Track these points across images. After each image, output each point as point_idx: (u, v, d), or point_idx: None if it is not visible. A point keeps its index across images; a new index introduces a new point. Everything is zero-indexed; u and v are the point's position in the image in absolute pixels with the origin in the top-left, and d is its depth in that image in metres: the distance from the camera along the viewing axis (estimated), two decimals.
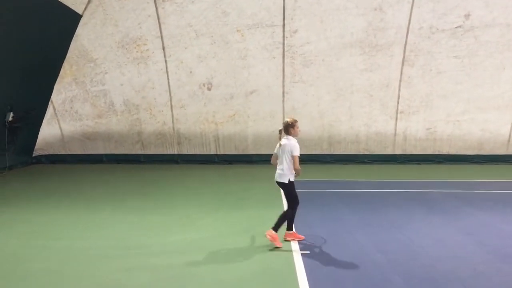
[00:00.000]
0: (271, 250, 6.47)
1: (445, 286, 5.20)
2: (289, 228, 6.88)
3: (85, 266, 5.95)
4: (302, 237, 6.92)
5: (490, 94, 15.15)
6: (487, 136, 15.62)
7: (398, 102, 15.38)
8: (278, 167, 6.82)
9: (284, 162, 6.70)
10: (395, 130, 15.69)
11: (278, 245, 6.51)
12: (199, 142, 16.09)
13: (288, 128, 6.77)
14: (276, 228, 6.64)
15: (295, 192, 6.79)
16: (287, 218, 6.78)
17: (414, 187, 11.71)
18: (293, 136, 6.78)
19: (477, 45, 14.60)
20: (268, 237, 6.56)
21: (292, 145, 6.66)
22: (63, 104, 15.64)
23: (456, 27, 14.46)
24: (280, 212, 6.94)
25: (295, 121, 6.82)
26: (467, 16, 14.33)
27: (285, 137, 6.83)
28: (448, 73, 14.97)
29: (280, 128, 6.91)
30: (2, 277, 5.59)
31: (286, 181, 6.69)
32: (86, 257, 6.27)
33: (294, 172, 6.68)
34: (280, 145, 6.79)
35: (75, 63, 15.10)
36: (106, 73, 15.26)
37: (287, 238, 6.85)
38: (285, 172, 6.69)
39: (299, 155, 6.64)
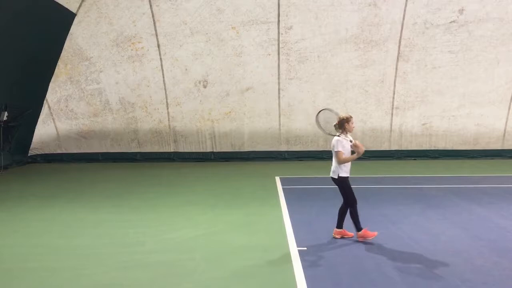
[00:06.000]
0: (267, 246, 6.48)
1: (442, 281, 5.22)
2: (339, 225, 6.85)
3: (82, 264, 5.93)
4: (351, 234, 6.83)
5: (485, 89, 15.22)
6: (482, 131, 15.69)
7: (393, 98, 15.42)
8: None
9: (333, 159, 6.78)
10: (391, 125, 15.73)
11: (371, 236, 6.65)
12: (195, 139, 16.08)
13: (343, 123, 6.69)
14: (338, 225, 6.78)
15: (349, 188, 6.70)
16: (343, 213, 6.79)
17: (410, 182, 11.75)
18: (347, 132, 6.73)
19: (471, 40, 14.66)
20: (337, 236, 6.75)
21: (333, 143, 6.69)
22: (58, 103, 15.58)
23: (450, 22, 14.50)
24: (276, 209, 6.90)
25: (351, 116, 6.76)
26: (461, 11, 14.37)
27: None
28: (443, 68, 15.02)
29: (334, 123, 6.80)
30: None
31: (336, 177, 6.72)
32: (83, 256, 6.26)
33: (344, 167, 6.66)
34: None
35: (69, 61, 15.04)
36: (101, 71, 15.20)
37: (336, 236, 6.83)
38: (334, 168, 6.76)
39: (339, 150, 6.60)
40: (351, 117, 6.74)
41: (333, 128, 6.79)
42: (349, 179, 6.74)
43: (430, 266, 5.66)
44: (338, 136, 6.70)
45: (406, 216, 8.12)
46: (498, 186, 11.25)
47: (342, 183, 6.71)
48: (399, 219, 7.91)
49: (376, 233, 6.71)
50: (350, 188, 6.72)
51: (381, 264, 5.76)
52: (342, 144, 6.63)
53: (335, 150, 6.64)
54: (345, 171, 6.68)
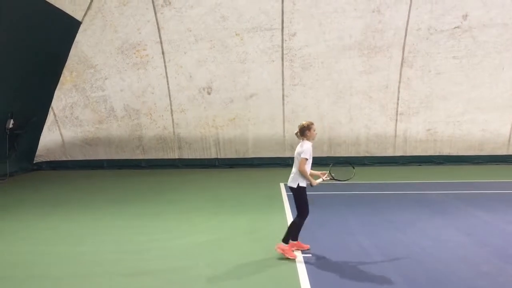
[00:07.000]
0: (272, 253, 6.46)
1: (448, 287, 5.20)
2: (294, 238, 6.45)
3: (87, 271, 5.94)
4: (307, 246, 6.53)
5: (489, 94, 15.18)
6: (488, 137, 15.63)
7: (397, 104, 15.40)
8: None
9: (294, 166, 6.39)
10: (395, 131, 15.70)
11: (291, 257, 6.16)
12: (200, 146, 16.10)
13: (304, 130, 6.38)
14: (285, 240, 6.30)
15: (305, 200, 6.32)
16: (295, 228, 6.38)
17: (415, 188, 11.71)
18: (308, 140, 6.39)
19: (475, 46, 14.64)
20: (279, 250, 6.26)
21: (303, 148, 6.29)
22: (63, 110, 15.65)
23: (454, 28, 14.50)
24: (280, 216, 6.88)
25: (311, 123, 6.43)
26: (464, 16, 14.37)
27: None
28: (447, 74, 15.00)
29: (296, 132, 6.51)
30: (3, 283, 5.59)
31: (295, 186, 6.33)
32: (87, 263, 6.27)
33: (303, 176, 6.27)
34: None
35: (75, 69, 15.13)
36: (106, 78, 15.28)
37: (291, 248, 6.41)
38: (294, 175, 6.36)
39: (307, 158, 6.23)
40: (312, 123, 6.40)
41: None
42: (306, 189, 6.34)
43: (436, 272, 5.64)
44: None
45: (411, 222, 8.09)
46: (504, 192, 11.19)
47: (300, 193, 6.31)
48: (404, 226, 7.89)
49: (296, 256, 6.19)
50: (307, 200, 6.33)
51: (387, 270, 5.74)
52: (310, 152, 6.28)
53: (302, 156, 6.20)
54: (305, 181, 6.31)
